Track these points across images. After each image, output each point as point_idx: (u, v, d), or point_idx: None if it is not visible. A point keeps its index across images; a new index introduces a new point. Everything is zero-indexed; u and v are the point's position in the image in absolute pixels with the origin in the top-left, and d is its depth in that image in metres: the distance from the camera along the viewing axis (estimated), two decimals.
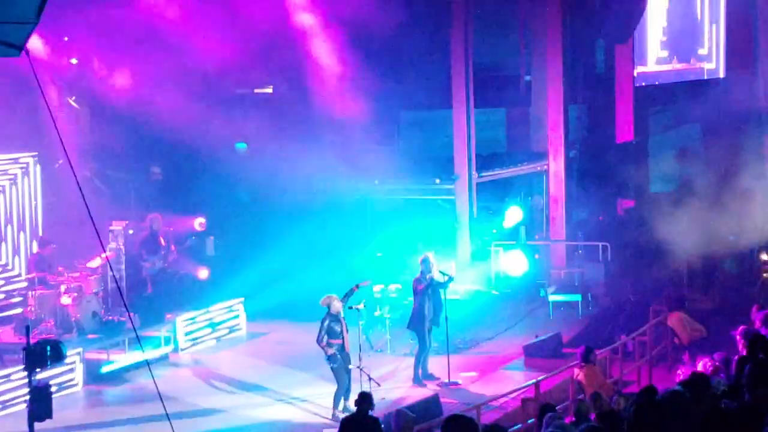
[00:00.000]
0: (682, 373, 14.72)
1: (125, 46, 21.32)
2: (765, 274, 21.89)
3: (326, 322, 15.76)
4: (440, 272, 17.53)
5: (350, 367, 15.83)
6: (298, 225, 23.41)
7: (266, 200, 23.70)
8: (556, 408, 12.66)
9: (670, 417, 9.62)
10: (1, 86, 19.04)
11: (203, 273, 21.63)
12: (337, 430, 13.16)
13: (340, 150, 23.23)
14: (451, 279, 17.64)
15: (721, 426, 9.53)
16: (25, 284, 19.13)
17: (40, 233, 20.23)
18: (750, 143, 26.58)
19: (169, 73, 21.26)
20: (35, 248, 19.81)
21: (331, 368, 15.85)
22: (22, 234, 20.07)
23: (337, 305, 15.85)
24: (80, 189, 10.58)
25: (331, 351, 15.68)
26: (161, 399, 12.07)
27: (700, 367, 13.48)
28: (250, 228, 23.45)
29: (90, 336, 18.52)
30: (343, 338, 15.76)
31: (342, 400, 15.69)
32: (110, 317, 19.21)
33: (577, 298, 21.84)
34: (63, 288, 18.67)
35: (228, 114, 23.07)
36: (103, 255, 18.58)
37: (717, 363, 13.58)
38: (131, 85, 21.57)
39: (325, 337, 15.72)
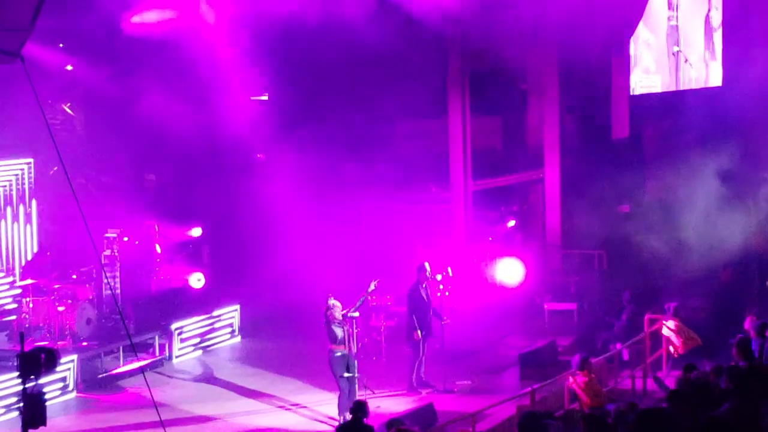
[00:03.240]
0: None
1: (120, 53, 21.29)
2: None
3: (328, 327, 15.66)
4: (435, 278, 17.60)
5: (348, 375, 15.66)
6: (293, 233, 23.35)
7: (262, 208, 23.64)
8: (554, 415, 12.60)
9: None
10: None
11: (198, 280, 21.59)
12: None
13: (334, 157, 23.18)
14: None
15: None
16: (19, 291, 19.08)
17: (35, 240, 20.18)
18: (746, 151, 26.56)
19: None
20: (30, 255, 19.76)
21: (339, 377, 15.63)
22: (16, 241, 20.02)
23: (335, 312, 15.75)
24: (75, 196, 10.55)
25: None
26: (156, 406, 12.08)
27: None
28: (246, 236, 23.39)
29: (84, 343, 18.48)
30: (346, 344, 15.67)
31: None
32: (105, 324, 19.18)
33: (573, 306, 21.81)
34: (57, 295, 18.62)
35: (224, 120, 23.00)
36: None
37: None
38: (126, 92, 21.53)
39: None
